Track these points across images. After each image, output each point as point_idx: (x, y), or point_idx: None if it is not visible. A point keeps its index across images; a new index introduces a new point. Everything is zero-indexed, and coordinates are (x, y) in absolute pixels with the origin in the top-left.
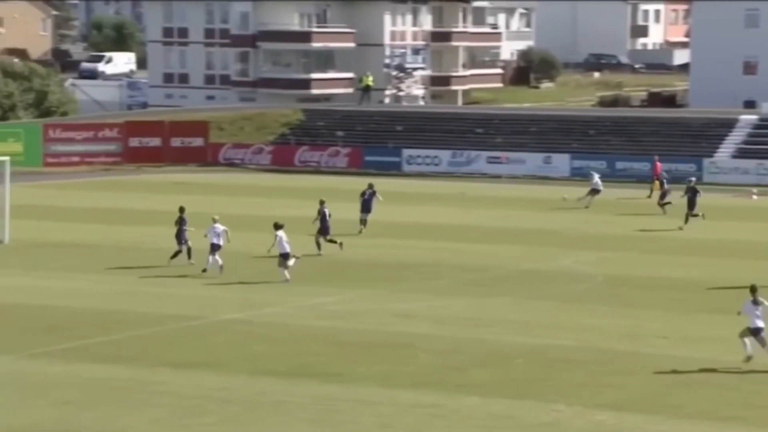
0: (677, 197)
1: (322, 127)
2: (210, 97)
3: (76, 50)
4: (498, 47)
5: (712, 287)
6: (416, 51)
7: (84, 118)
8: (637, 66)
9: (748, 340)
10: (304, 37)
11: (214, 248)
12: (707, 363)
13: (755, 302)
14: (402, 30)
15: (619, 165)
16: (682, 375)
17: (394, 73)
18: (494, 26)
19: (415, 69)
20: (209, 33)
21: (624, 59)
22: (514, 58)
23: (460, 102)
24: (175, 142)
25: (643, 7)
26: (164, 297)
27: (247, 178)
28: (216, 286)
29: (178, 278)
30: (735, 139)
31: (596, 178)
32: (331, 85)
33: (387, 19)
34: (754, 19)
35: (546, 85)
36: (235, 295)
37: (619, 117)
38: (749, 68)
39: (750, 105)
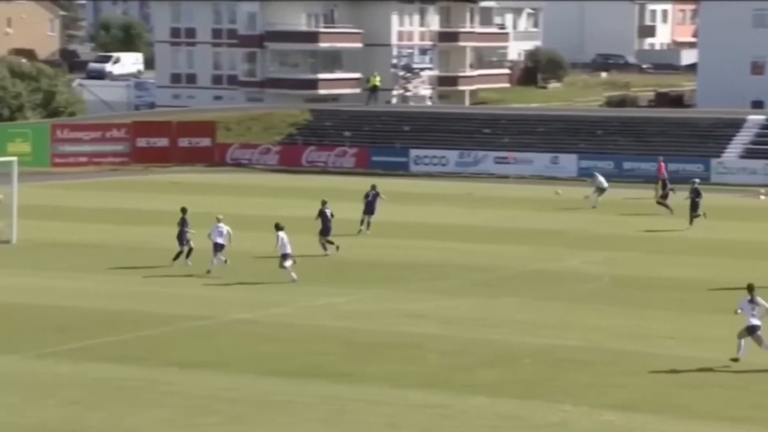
0: (681, 198)
1: (329, 127)
2: (217, 98)
3: (84, 50)
4: (505, 47)
5: (719, 288)
6: (423, 51)
7: (91, 118)
8: (644, 66)
9: (743, 342)
10: (312, 37)
11: (218, 247)
12: (715, 363)
13: (752, 301)
14: (409, 30)
15: (627, 165)
16: (689, 375)
17: (402, 73)
18: (502, 26)
19: (422, 69)
20: (217, 33)
21: (631, 59)
22: (522, 58)
23: (467, 102)
24: (183, 142)
25: (650, 7)
26: (171, 297)
27: (254, 178)
28: (223, 287)
29: (186, 278)
30: (743, 139)
31: (599, 177)
32: (339, 85)
33: (394, 19)
34: (761, 19)
35: (553, 85)
36: (242, 295)
37: (627, 117)
38: (757, 68)
39: (758, 105)
